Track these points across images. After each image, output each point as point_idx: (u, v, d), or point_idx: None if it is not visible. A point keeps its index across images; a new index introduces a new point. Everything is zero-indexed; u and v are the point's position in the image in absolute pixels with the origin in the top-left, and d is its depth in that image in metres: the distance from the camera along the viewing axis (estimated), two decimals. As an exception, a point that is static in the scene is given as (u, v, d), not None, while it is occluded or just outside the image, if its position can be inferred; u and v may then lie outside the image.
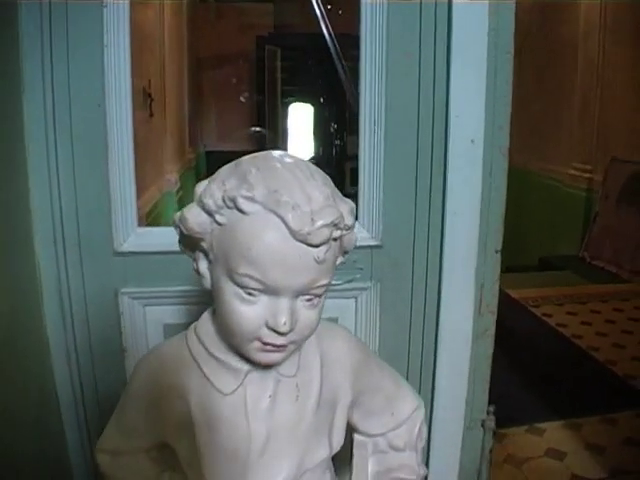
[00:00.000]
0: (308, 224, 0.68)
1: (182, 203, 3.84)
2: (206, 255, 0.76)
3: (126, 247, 1.28)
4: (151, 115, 3.56)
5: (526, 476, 2.24)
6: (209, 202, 0.71)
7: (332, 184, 0.76)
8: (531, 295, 3.99)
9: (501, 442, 2.43)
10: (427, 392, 1.46)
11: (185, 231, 0.74)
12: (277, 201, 0.68)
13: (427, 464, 1.56)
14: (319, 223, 0.69)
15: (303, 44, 5.11)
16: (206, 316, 0.85)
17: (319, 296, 0.75)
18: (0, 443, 1.09)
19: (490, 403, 1.59)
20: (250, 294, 0.71)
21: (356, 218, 1.19)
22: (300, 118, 5.64)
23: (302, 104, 5.60)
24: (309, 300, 0.74)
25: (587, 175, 4.77)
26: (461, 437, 1.55)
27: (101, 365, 1.32)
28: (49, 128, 1.22)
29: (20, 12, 1.16)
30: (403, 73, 1.30)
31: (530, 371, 3.00)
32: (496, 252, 1.43)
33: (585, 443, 2.42)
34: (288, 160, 0.73)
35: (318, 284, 0.73)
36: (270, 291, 0.71)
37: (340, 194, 0.77)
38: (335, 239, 0.74)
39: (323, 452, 0.87)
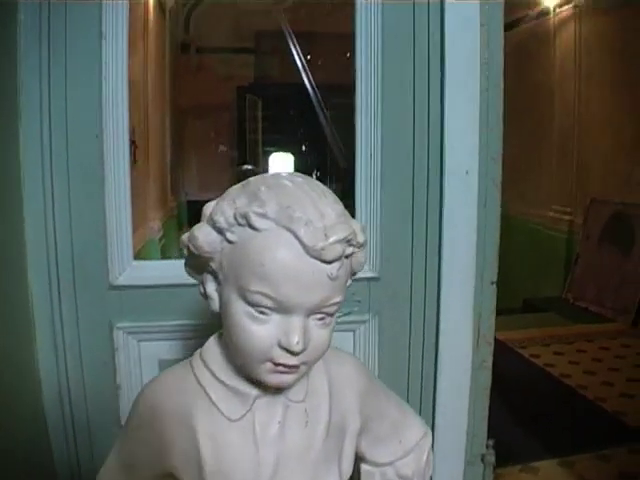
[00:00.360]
0: (322, 240, 0.67)
1: (165, 251, 3.82)
2: (214, 276, 0.75)
3: (122, 280, 1.26)
4: (135, 161, 3.57)
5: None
6: (220, 219, 0.71)
7: (341, 203, 0.76)
8: (517, 337, 3.98)
9: (496, 482, 2.39)
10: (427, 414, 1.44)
11: (195, 250, 0.73)
12: (290, 217, 0.68)
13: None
14: (332, 239, 0.68)
15: (284, 94, 5.20)
16: (212, 341, 0.83)
17: (331, 315, 0.75)
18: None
19: (488, 437, 1.58)
20: (262, 312, 0.70)
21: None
22: (281, 167, 5.68)
23: (283, 153, 5.65)
24: (321, 319, 0.73)
25: (567, 217, 4.85)
26: (462, 472, 1.52)
27: (94, 402, 1.28)
28: (45, 159, 1.22)
29: (19, 40, 1.17)
30: (398, 106, 1.33)
31: (521, 411, 2.96)
32: (492, 284, 1.43)
33: (581, 480, 2.39)
34: (298, 179, 0.74)
35: (331, 302, 0.72)
36: (282, 309, 0.70)
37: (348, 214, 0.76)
38: (347, 256, 0.73)
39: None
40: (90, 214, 1.25)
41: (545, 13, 4.90)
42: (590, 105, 4.58)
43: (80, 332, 1.27)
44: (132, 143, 3.44)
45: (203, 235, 0.73)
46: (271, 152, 5.60)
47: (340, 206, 0.73)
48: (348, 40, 1.33)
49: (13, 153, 1.19)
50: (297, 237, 0.67)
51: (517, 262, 5.32)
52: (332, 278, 0.70)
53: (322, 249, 0.67)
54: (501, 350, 3.67)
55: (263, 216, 0.68)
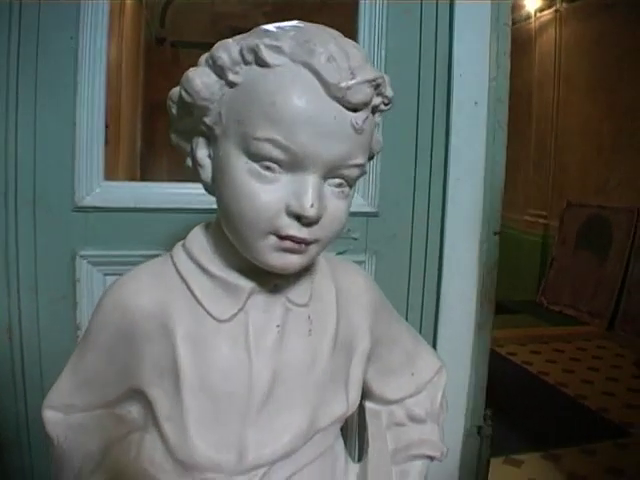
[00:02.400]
0: (347, 78, 0.55)
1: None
2: (208, 137, 0.62)
3: (89, 201, 1.10)
4: (106, 143, 3.42)
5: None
6: (222, 56, 0.58)
7: None
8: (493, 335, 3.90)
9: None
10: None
11: (188, 98, 0.60)
12: (310, 51, 0.55)
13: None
14: (360, 78, 0.56)
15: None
16: (197, 230, 0.69)
17: (350, 185, 0.61)
18: None
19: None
20: (268, 168, 0.57)
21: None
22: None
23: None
24: (339, 185, 0.60)
25: (543, 221, 4.83)
26: (461, 442, 1.39)
27: (49, 343, 1.11)
28: (12, 64, 1.06)
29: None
30: (404, 30, 1.21)
31: (501, 405, 2.86)
32: (494, 234, 1.32)
33: (566, 473, 2.28)
34: (327, 28, 0.61)
35: (353, 162, 0.59)
36: (294, 164, 0.56)
37: None
38: (374, 111, 0.61)
39: (339, 407, 0.71)
40: (58, 126, 1.09)
41: (526, 17, 4.91)
42: (568, 109, 4.60)
43: (37, 259, 1.09)
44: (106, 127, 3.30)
45: (200, 77, 0.59)
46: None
47: (366, 55, 0.60)
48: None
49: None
50: (318, 74, 0.55)
51: (491, 266, 5.29)
52: (357, 129, 0.57)
53: (348, 88, 0.55)
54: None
55: (277, 50, 0.56)
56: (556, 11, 4.63)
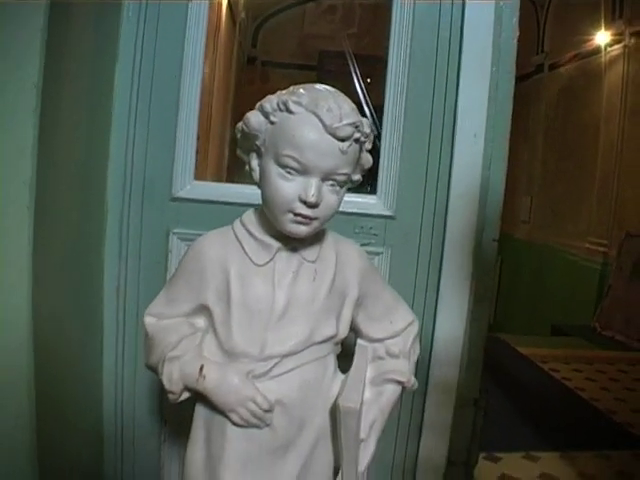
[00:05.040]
0: (337, 121, 0.94)
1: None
2: (258, 153, 1.02)
3: (181, 194, 1.55)
4: (195, 152, 3.88)
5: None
6: (267, 106, 0.98)
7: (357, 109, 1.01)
8: (540, 353, 4.11)
9: (497, 463, 2.55)
10: (425, 353, 1.65)
11: (246, 129, 1.01)
12: (316, 104, 0.94)
13: (419, 439, 1.72)
14: (345, 121, 0.95)
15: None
16: (250, 211, 1.10)
17: (340, 185, 1.00)
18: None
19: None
20: (289, 172, 0.96)
21: (375, 192, 1.45)
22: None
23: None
24: (332, 185, 0.99)
25: (602, 249, 4.96)
26: (451, 413, 1.71)
27: (145, 296, 1.54)
28: (133, 93, 1.52)
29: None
30: (422, 77, 1.59)
31: (532, 412, 3.11)
32: (493, 240, 1.64)
33: (578, 471, 2.52)
34: (329, 88, 1.00)
35: (340, 171, 0.97)
36: (304, 171, 0.95)
37: None
38: (356, 141, 0.99)
39: (330, 330, 1.08)
40: (163, 138, 1.54)
41: (596, 52, 5.09)
42: (632, 144, 4.73)
43: (142, 234, 1.55)
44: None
45: (253, 116, 1.00)
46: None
47: (355, 107, 0.99)
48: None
49: (109, 85, 1.50)
50: (320, 119, 0.94)
51: (551, 290, 5.45)
52: (343, 152, 0.96)
53: (337, 128, 0.94)
54: (521, 362, 3.86)
55: (298, 103, 0.95)
56: (625, 46, 4.79)
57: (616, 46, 4.87)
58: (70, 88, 1.26)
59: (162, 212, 1.55)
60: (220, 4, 4.30)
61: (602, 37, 4.96)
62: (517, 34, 1.59)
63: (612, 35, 4.89)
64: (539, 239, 5.89)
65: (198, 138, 4.08)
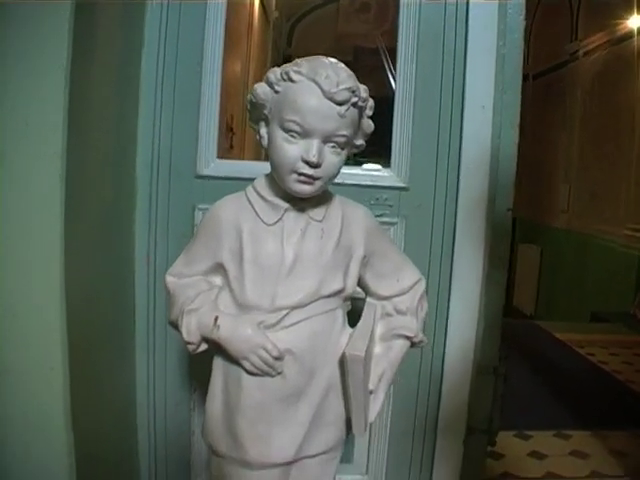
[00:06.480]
0: (334, 87, 1.01)
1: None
2: (265, 121, 1.10)
3: (206, 172, 1.65)
4: (231, 147, 4.00)
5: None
6: (271, 76, 1.07)
7: (354, 75, 1.08)
8: (577, 338, 4.10)
9: (527, 440, 2.59)
10: (441, 322, 1.70)
11: (254, 99, 1.09)
12: (315, 72, 1.02)
13: (438, 405, 1.77)
14: (342, 87, 1.02)
15: (377, 108, 5.60)
16: (261, 175, 1.18)
17: (340, 147, 1.07)
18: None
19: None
20: (292, 136, 1.04)
21: (389, 165, 1.51)
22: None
23: (373, 164, 6.02)
24: (333, 147, 1.06)
25: (641, 235, 4.88)
26: (469, 380, 1.76)
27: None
28: (158, 77, 1.63)
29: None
30: (431, 53, 1.65)
31: (566, 394, 3.13)
32: (507, 210, 1.69)
33: (609, 449, 2.53)
34: (331, 58, 1.08)
35: (339, 132, 1.05)
36: (306, 133, 1.03)
37: None
38: (354, 105, 1.06)
39: (337, 285, 1.14)
40: (188, 120, 1.64)
41: (629, 36, 5.02)
42: (670, 125, 4.65)
43: (170, 208, 1.65)
44: (230, 129, 3.88)
45: (260, 88, 1.08)
46: (363, 162, 6.00)
47: (352, 74, 1.07)
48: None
49: (136, 71, 1.61)
50: (319, 85, 1.02)
51: (590, 277, 5.40)
52: (340, 115, 1.03)
53: (335, 93, 1.01)
54: (558, 346, 3.86)
55: (298, 73, 1.03)
56: (658, 28, 4.72)
57: (649, 28, 4.80)
58: (99, 72, 1.36)
59: (188, 189, 1.65)
60: (252, 3, 4.42)
61: (635, 21, 4.89)
62: (524, 9, 1.63)
63: (645, 18, 4.82)
64: (578, 227, 5.82)
65: (234, 132, 4.16)
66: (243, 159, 4.42)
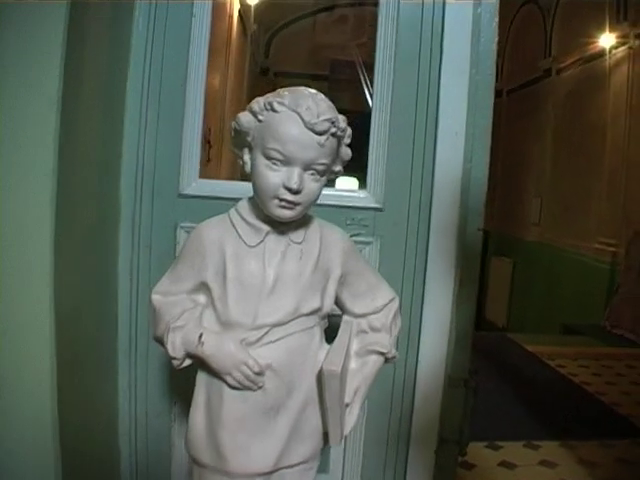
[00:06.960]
0: (315, 118, 1.08)
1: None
2: (249, 148, 1.16)
3: (188, 191, 1.70)
4: (208, 160, 4.04)
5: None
6: (255, 106, 1.13)
7: (334, 108, 1.14)
8: (547, 351, 4.20)
9: (497, 450, 2.66)
10: (414, 337, 1.77)
11: (238, 127, 1.15)
12: (297, 104, 1.08)
13: (411, 417, 1.84)
14: (322, 117, 1.08)
15: (352, 121, 5.68)
16: (244, 199, 1.24)
17: (320, 174, 1.13)
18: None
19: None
20: (274, 164, 1.10)
21: (365, 187, 1.58)
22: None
23: (348, 177, 6.10)
24: (312, 174, 1.12)
25: (611, 249, 5.03)
26: (441, 392, 1.83)
27: (154, 284, 1.69)
28: (143, 99, 1.68)
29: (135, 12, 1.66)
30: (406, 80, 1.72)
31: (536, 405, 3.21)
32: (478, 230, 1.76)
33: (577, 458, 2.62)
34: (311, 89, 1.14)
35: (319, 161, 1.11)
36: (287, 161, 1.09)
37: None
38: (334, 134, 1.12)
39: (315, 303, 1.21)
40: (171, 139, 1.70)
41: (601, 54, 5.18)
42: (639, 143, 4.81)
43: (152, 226, 1.70)
44: (207, 142, 3.91)
45: (244, 116, 1.15)
46: (338, 175, 6.07)
47: (332, 106, 1.13)
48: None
49: (121, 90, 1.66)
50: (300, 116, 1.08)
51: (561, 290, 5.53)
52: (320, 144, 1.10)
53: (315, 123, 1.08)
54: (529, 358, 3.95)
55: (281, 103, 1.10)
56: (630, 48, 4.88)
57: (621, 48, 4.97)
58: (87, 97, 1.42)
59: (170, 207, 1.71)
60: (231, 16, 4.48)
61: (607, 40, 5.06)
62: (497, 37, 1.72)
63: (617, 37, 5.00)
64: (550, 240, 5.97)
65: (211, 145, 4.20)
66: (220, 171, 4.48)
